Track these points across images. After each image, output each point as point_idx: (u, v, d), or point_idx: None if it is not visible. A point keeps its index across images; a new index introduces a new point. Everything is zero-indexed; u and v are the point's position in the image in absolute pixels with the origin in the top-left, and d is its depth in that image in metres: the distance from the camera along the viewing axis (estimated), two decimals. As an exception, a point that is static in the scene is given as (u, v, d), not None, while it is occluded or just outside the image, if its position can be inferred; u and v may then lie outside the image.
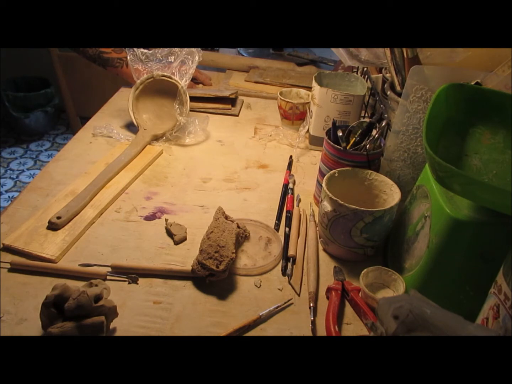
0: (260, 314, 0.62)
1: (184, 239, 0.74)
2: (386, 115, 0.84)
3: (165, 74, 1.02)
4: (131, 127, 1.06)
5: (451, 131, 0.64)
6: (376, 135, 0.77)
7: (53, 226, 0.73)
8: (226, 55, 1.48)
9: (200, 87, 1.29)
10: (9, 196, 2.22)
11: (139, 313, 0.62)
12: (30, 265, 0.66)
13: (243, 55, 1.55)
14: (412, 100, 0.73)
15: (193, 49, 1.04)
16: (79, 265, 0.68)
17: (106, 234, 0.75)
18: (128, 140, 1.00)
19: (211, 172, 0.94)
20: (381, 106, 0.88)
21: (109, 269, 0.67)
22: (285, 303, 0.64)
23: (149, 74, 1.02)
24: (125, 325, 0.60)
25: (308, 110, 1.04)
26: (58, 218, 0.73)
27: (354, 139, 0.80)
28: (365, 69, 1.13)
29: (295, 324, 0.62)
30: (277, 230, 0.79)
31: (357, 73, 1.19)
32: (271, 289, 0.67)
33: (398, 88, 0.84)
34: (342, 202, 0.66)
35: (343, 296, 0.66)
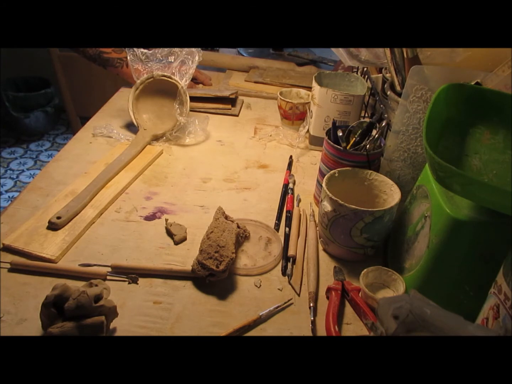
0: (260, 314, 0.62)
1: (184, 239, 0.74)
2: (386, 115, 0.84)
3: (165, 74, 1.02)
4: (131, 127, 1.06)
5: (451, 131, 0.64)
6: (376, 135, 0.77)
7: (53, 226, 0.73)
8: (226, 55, 1.48)
9: (200, 87, 1.29)
10: (9, 196, 2.22)
11: (139, 313, 0.62)
12: (30, 265, 0.66)
13: (243, 55, 1.55)
14: (412, 100, 0.73)
15: (193, 49, 1.04)
16: (79, 265, 0.68)
17: (106, 234, 0.75)
18: (128, 140, 1.00)
19: (211, 172, 0.94)
20: (381, 106, 0.88)
21: (109, 269, 0.67)
22: (285, 303, 0.64)
23: (149, 74, 1.02)
24: (125, 325, 0.60)
25: (308, 110, 1.04)
26: (58, 218, 0.73)
27: (354, 139, 0.80)
28: (365, 69, 1.13)
29: (295, 324, 0.62)
30: (277, 230, 0.79)
31: (357, 73, 1.19)
32: (271, 289, 0.67)
33: (398, 88, 0.84)
34: (342, 202, 0.66)
35: (343, 296, 0.66)
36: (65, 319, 0.54)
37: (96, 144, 1.00)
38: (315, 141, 1.03)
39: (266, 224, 0.79)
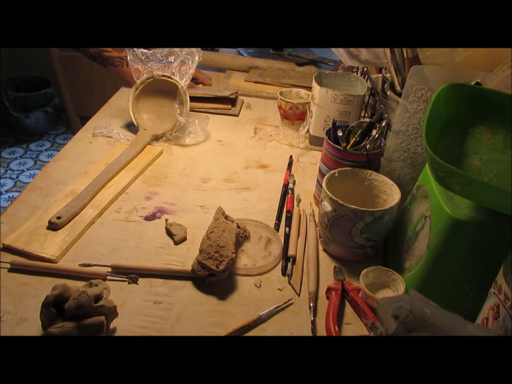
0: (260, 314, 0.62)
1: (184, 239, 0.74)
2: (386, 115, 0.84)
3: (165, 74, 1.02)
4: (131, 127, 1.06)
5: (451, 131, 0.64)
6: (376, 135, 0.77)
7: (53, 226, 0.73)
8: (226, 55, 1.48)
9: (200, 87, 1.29)
10: (9, 196, 2.22)
11: (139, 313, 0.62)
12: (30, 265, 0.66)
13: (243, 55, 1.55)
14: (412, 100, 0.73)
15: (193, 49, 1.04)
16: (79, 265, 0.68)
17: (106, 234, 0.75)
18: (128, 140, 1.00)
19: (211, 172, 0.94)
20: (381, 106, 0.88)
21: (109, 269, 0.67)
22: (285, 303, 0.64)
23: (149, 74, 1.02)
24: (125, 325, 0.60)
25: (308, 110, 1.04)
26: (58, 218, 0.73)
27: (354, 139, 0.80)
28: (365, 69, 1.13)
29: (295, 324, 0.62)
30: (277, 230, 0.79)
31: (357, 73, 1.19)
32: (271, 289, 0.67)
33: (398, 88, 0.84)
34: (342, 202, 0.66)
35: (343, 296, 0.66)
36: (65, 319, 0.54)
37: (96, 144, 1.00)
38: (315, 141, 1.03)
39: (266, 224, 0.79)
